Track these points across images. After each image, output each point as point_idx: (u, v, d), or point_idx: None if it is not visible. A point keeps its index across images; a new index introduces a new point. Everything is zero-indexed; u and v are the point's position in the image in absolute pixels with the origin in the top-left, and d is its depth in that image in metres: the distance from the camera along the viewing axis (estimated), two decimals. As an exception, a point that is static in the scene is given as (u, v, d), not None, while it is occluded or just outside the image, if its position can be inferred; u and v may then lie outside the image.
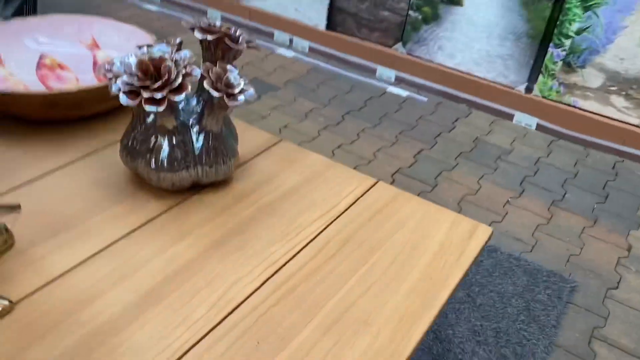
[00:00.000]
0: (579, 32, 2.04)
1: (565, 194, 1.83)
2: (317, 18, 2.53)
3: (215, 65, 0.62)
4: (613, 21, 1.98)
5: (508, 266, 1.49)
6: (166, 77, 0.57)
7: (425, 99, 2.32)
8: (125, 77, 0.57)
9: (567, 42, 2.07)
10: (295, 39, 2.60)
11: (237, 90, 0.62)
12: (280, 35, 2.65)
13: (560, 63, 2.11)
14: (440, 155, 1.96)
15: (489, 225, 1.65)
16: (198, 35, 0.63)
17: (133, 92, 0.57)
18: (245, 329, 0.51)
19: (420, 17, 2.33)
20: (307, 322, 0.53)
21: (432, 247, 0.62)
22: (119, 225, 0.61)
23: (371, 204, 0.69)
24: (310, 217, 0.66)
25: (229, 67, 0.63)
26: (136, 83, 0.57)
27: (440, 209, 0.69)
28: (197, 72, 0.59)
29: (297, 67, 2.46)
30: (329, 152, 1.90)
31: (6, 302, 0.51)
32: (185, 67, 0.58)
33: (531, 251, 1.57)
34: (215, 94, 0.60)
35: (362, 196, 0.70)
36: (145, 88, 0.57)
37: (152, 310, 0.52)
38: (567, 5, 2.02)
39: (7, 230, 0.57)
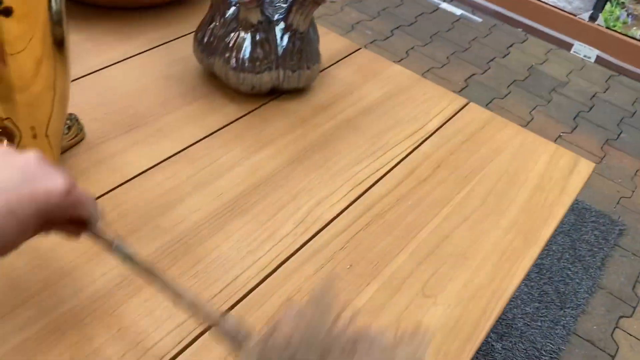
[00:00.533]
0: (660, -42, 1.85)
1: (620, 133, 1.74)
2: None
3: (311, -46, 0.55)
4: (702, -52, 1.79)
5: (556, 203, 1.44)
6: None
7: (479, 20, 2.18)
8: (215, -42, 0.50)
9: (646, -32, 1.89)
10: (345, -57, 2.42)
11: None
12: (329, -63, 2.46)
13: (633, -9, 1.94)
14: (493, 82, 1.86)
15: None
16: None
17: (222, -23, 0.51)
18: (335, 250, 0.48)
19: None
20: (399, 250, 0.49)
21: (531, 180, 0.57)
22: (194, 127, 0.56)
23: (463, 126, 0.63)
24: (397, 136, 0.60)
25: (326, -43, 0.55)
26: (227, -34, 0.50)
27: (539, 138, 0.63)
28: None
29: (345, -27, 2.31)
30: (376, 69, 1.81)
31: (82, 200, 0.47)
32: (282, -48, 0.51)
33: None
34: (311, -13, 0.53)
35: (452, 117, 0.64)
36: (238, -27, 0.50)
37: (237, 221, 0.48)
38: None
39: (77, 120, 0.53)
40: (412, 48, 1.95)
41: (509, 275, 0.47)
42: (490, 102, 1.77)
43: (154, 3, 0.70)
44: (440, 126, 0.62)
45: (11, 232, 0.28)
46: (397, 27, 2.04)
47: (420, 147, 0.59)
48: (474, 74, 1.88)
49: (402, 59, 1.89)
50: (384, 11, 2.12)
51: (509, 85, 1.86)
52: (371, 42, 1.94)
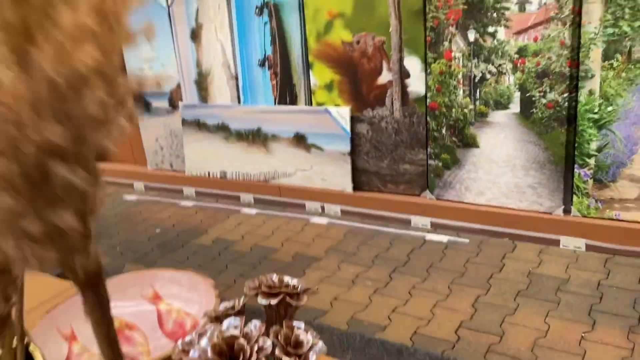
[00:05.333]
0: (599, 150, 2.08)
1: (640, 316, 1.74)
2: (343, 182, 2.64)
3: (281, 326, 0.65)
4: (630, 133, 2.02)
5: (606, 417, 1.38)
6: (241, 356, 0.59)
7: (466, 241, 2.32)
8: (203, 366, 0.59)
9: (591, 161, 2.10)
10: (326, 205, 2.69)
11: (307, 348, 0.63)
12: (311, 205, 2.75)
13: (590, 181, 2.12)
14: (499, 299, 1.91)
15: (571, 369, 1.55)
16: (262, 301, 0.66)
17: (212, 377, 0.59)
18: None
19: (440, 164, 2.42)
20: None
21: None
22: None
23: None
24: None
25: (295, 324, 0.65)
26: (214, 368, 0.59)
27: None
28: (269, 343, 0.61)
29: (334, 232, 2.52)
30: (385, 319, 1.87)
31: None
32: (257, 340, 0.60)
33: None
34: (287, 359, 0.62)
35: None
36: (224, 373, 0.58)
37: None
38: (580, 128, 2.08)
39: None
40: (413, 287, 2.04)
41: None
42: (502, 321, 1.79)
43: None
44: None
45: None
46: (394, 270, 2.16)
47: None
48: (478, 296, 1.93)
49: (407, 301, 1.96)
50: (377, 258, 2.27)
51: (515, 298, 1.90)
52: (374, 292, 2.04)
